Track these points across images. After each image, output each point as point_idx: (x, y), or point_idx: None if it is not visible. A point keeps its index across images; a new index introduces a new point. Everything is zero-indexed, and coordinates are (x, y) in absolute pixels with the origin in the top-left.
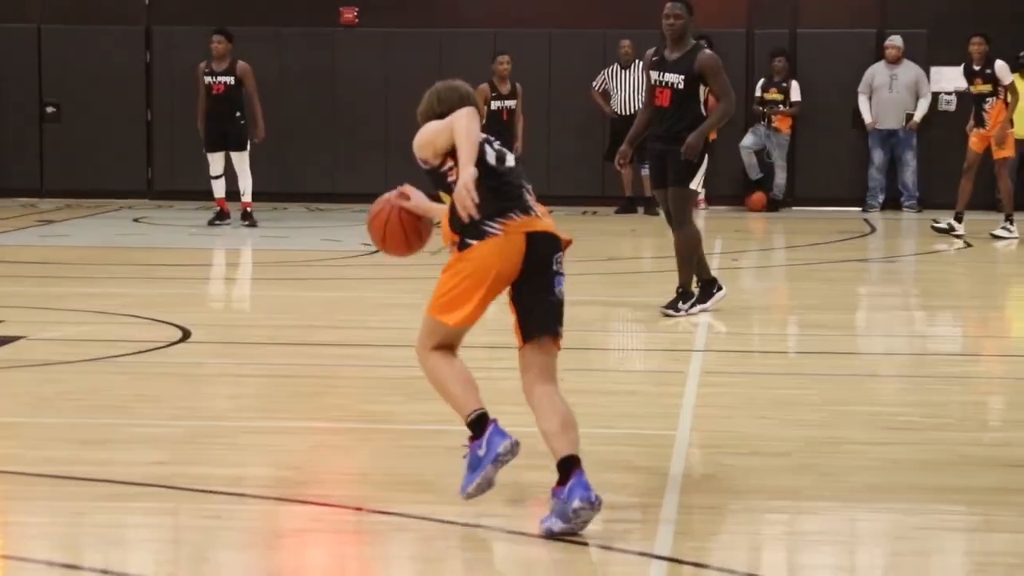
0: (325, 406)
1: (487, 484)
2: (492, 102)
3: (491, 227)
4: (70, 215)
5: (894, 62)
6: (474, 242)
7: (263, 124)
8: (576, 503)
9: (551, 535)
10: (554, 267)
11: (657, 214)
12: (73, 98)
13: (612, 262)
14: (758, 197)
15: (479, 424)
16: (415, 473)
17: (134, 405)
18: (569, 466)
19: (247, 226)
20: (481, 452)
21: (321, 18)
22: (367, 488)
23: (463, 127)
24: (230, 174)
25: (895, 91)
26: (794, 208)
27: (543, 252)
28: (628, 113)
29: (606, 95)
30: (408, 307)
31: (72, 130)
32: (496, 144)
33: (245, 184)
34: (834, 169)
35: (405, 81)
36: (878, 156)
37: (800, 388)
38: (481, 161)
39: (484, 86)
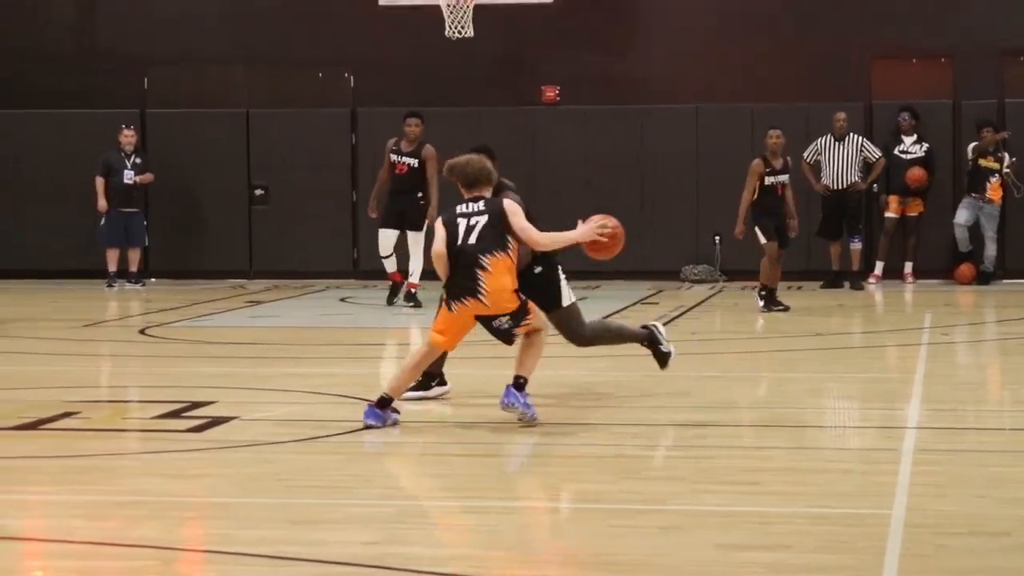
0: (534, 485)
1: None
2: (766, 178)
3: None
4: (278, 295)
5: None
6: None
7: (438, 209)
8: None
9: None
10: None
11: (863, 288)
12: (280, 180)
13: (819, 338)
14: (967, 269)
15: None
16: (625, 553)
17: (344, 485)
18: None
19: (412, 307)
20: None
21: (522, 97)
22: (577, 569)
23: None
24: (400, 255)
25: None
26: (1004, 281)
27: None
28: (840, 187)
29: (816, 168)
30: (612, 384)
31: (280, 211)
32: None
33: (416, 265)
34: None
35: (605, 159)
36: None
37: (1018, 466)
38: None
39: (758, 162)
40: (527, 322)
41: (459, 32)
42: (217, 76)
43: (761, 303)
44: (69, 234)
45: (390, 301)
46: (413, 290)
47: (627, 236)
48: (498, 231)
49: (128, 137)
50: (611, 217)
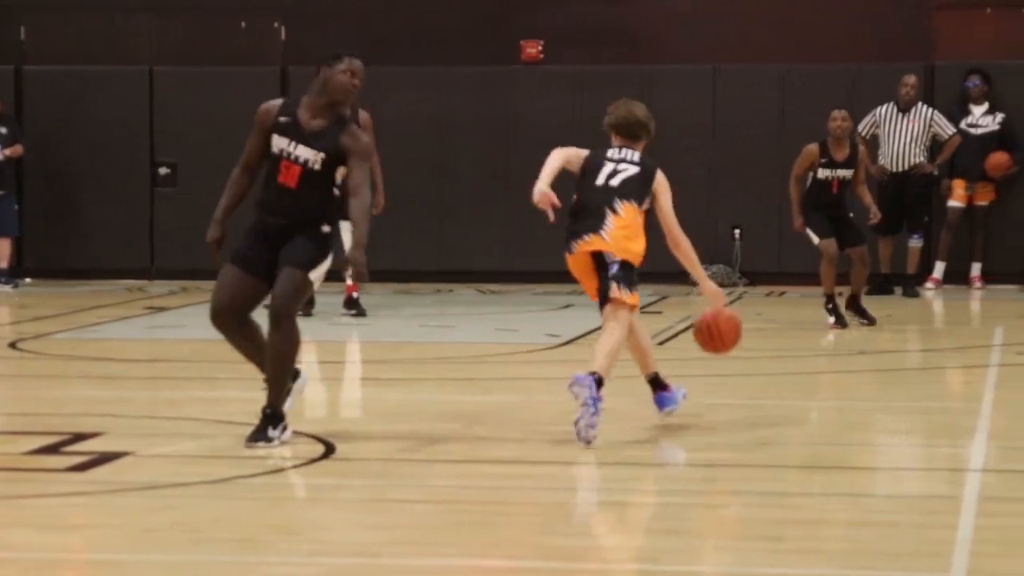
0: (497, 539)
1: None
2: (820, 169)
3: None
4: (185, 301)
5: None
6: None
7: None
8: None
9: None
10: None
11: (918, 295)
12: (191, 157)
13: (863, 357)
14: None
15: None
16: None
17: (265, 538)
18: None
19: (354, 315)
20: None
21: (497, 55)
22: None
23: None
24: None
25: None
26: None
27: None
28: (901, 169)
29: (873, 143)
30: (608, 414)
31: (189, 196)
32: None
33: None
34: None
35: (599, 131)
36: None
37: None
38: None
39: (812, 148)
40: (633, 285)
41: None
42: (113, 26)
43: (831, 318)
44: None
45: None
46: (355, 294)
47: None
48: (644, 189)
49: None
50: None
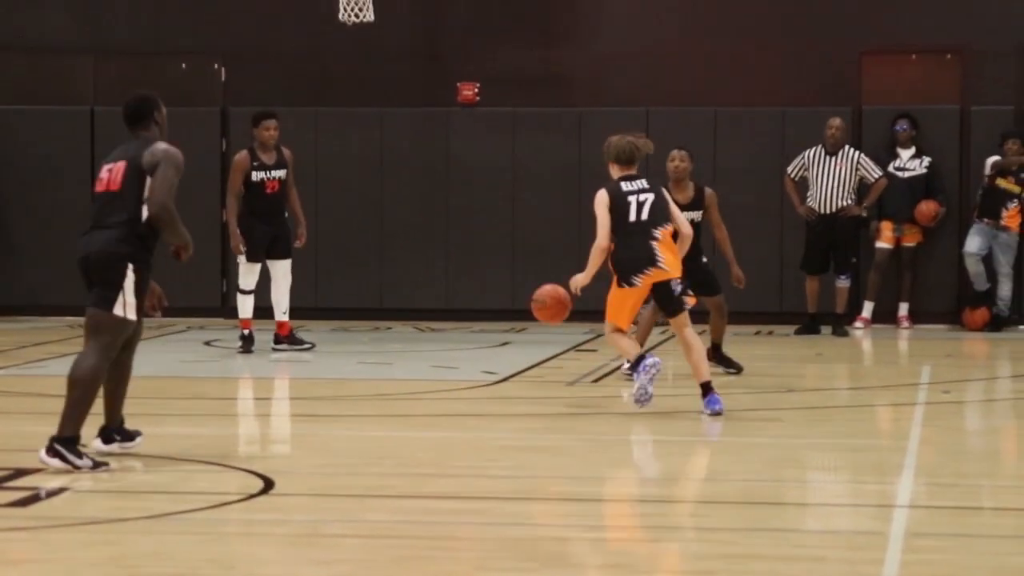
0: (437, 573)
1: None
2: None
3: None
4: None
5: None
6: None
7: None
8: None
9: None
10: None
11: (847, 334)
12: None
13: (793, 395)
14: (981, 314)
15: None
16: None
17: (202, 572)
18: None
19: (299, 350)
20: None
21: (434, 96)
22: None
23: None
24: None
25: None
26: (1022, 327)
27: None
28: (828, 211)
29: (803, 185)
30: (537, 451)
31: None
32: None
33: (286, 301)
34: None
35: (534, 172)
36: None
37: None
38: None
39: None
40: (690, 293)
41: (356, 16)
42: (57, 66)
43: (720, 367)
44: None
45: (245, 349)
46: (292, 330)
47: (558, 267)
48: (663, 207)
49: None
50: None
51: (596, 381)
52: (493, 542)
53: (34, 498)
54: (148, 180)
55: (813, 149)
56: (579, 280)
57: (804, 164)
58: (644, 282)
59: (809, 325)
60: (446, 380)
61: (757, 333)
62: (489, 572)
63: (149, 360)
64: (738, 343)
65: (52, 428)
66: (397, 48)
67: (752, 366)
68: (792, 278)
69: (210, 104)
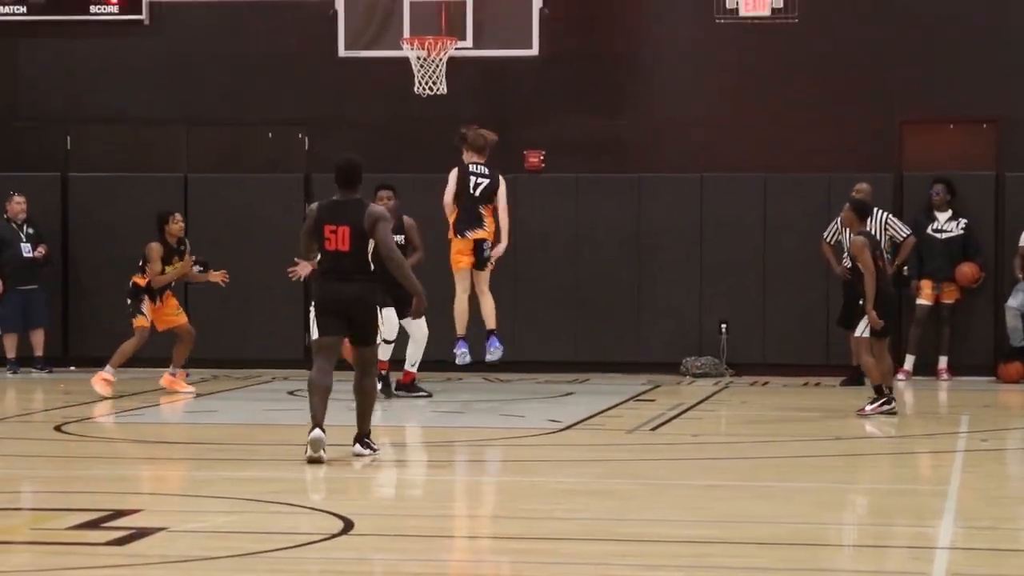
0: None
1: None
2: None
3: None
4: (217, 387)
5: None
6: None
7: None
8: None
9: None
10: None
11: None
12: (223, 255)
13: (838, 443)
14: (1015, 367)
15: None
16: None
17: None
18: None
19: (416, 397)
20: None
21: (503, 163)
22: None
23: None
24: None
25: None
26: None
27: None
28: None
29: (839, 248)
30: (599, 495)
31: (221, 290)
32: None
33: (419, 356)
34: None
35: (596, 234)
36: None
37: None
38: None
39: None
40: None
41: (430, 88)
42: (152, 136)
43: None
44: None
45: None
46: (413, 381)
47: (618, 320)
48: (492, 191)
49: (19, 204)
50: None
51: (654, 429)
52: None
53: (131, 537)
54: (370, 241)
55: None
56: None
57: (838, 228)
58: (471, 236)
59: (853, 376)
60: (513, 428)
61: (805, 384)
62: None
63: (237, 408)
64: (788, 393)
65: (153, 472)
66: (468, 118)
67: (803, 415)
68: (837, 332)
69: (294, 171)
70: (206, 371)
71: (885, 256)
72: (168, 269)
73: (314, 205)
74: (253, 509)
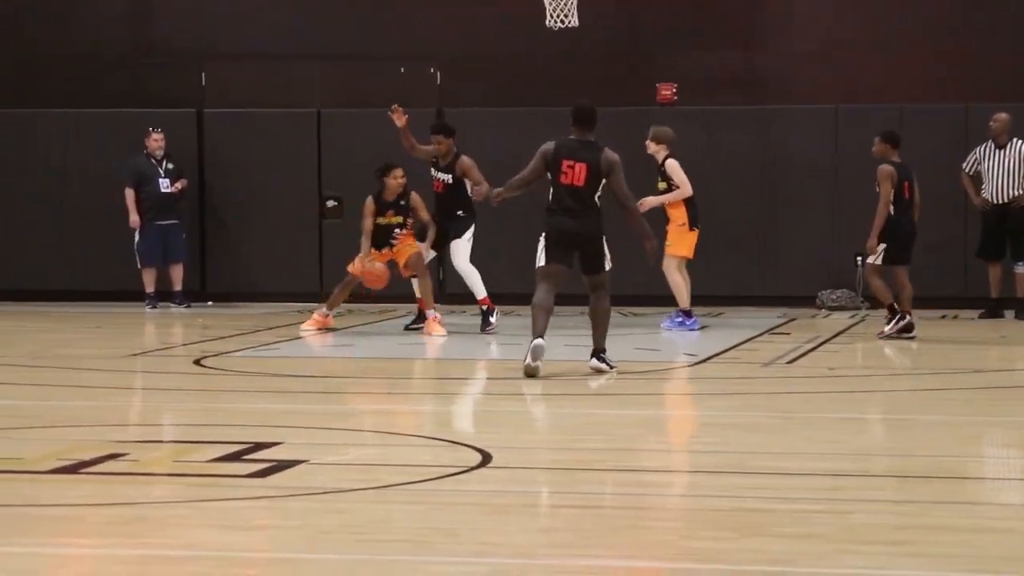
0: (645, 542)
1: None
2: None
3: None
4: (353, 322)
5: None
6: None
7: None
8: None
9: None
10: None
11: None
12: (356, 191)
13: (978, 375)
14: None
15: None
16: None
17: (429, 539)
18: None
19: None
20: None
21: (635, 96)
22: None
23: None
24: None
25: None
26: None
27: None
28: (1001, 201)
29: (978, 179)
30: (737, 427)
31: (355, 226)
32: None
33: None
34: None
35: (729, 167)
36: None
37: None
38: None
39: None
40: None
41: (562, 22)
42: (285, 71)
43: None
44: (103, 251)
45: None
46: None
47: (749, 250)
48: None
49: (157, 141)
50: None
51: (790, 363)
52: (697, 512)
53: (272, 469)
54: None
55: (984, 144)
56: None
57: (977, 159)
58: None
59: (993, 309)
60: (649, 361)
61: (943, 317)
62: (693, 540)
63: (373, 343)
64: (926, 327)
65: (291, 405)
66: (601, 51)
67: (940, 348)
68: (976, 265)
69: (427, 105)
70: (342, 305)
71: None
72: (381, 221)
73: (550, 143)
74: (392, 442)
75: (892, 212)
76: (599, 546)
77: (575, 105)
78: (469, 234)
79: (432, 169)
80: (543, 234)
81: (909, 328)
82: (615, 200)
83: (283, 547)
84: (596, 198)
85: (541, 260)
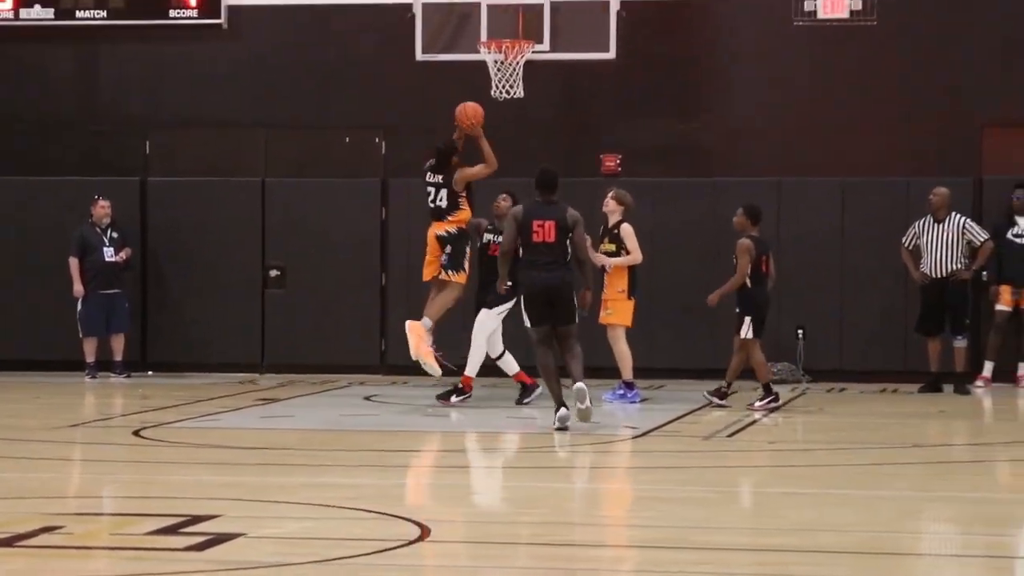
0: None
1: None
2: None
3: None
4: (294, 392)
5: None
6: None
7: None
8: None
9: None
10: None
11: (968, 392)
12: (299, 260)
13: (917, 450)
14: None
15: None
16: None
17: None
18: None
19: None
20: None
21: (579, 167)
22: None
23: None
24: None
25: None
26: None
27: None
28: (941, 275)
29: (917, 253)
30: (679, 502)
31: (297, 296)
32: None
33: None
34: None
35: (672, 237)
36: None
37: None
38: None
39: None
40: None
41: (507, 92)
42: (230, 140)
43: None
44: (45, 320)
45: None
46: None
47: (692, 324)
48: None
49: (104, 208)
50: None
51: (730, 436)
52: None
53: (210, 543)
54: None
55: (923, 219)
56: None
57: (916, 233)
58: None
59: (932, 383)
60: (590, 434)
61: (883, 390)
62: None
63: (314, 413)
64: (865, 400)
65: (230, 477)
66: (545, 122)
67: (880, 422)
68: (915, 339)
69: (371, 175)
70: (282, 376)
71: (963, 262)
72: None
73: (518, 207)
74: (331, 515)
75: (749, 284)
76: None
77: (539, 170)
78: (501, 309)
79: (487, 233)
80: (521, 295)
81: (777, 399)
82: (573, 253)
83: None
84: (567, 253)
85: (527, 323)
